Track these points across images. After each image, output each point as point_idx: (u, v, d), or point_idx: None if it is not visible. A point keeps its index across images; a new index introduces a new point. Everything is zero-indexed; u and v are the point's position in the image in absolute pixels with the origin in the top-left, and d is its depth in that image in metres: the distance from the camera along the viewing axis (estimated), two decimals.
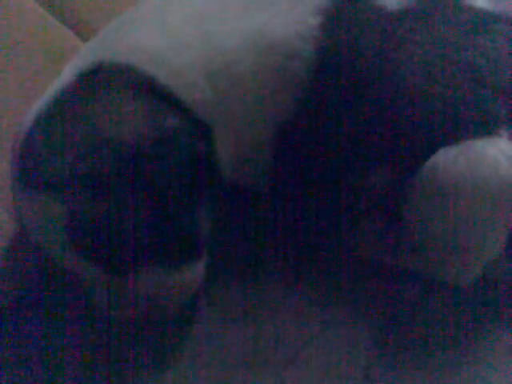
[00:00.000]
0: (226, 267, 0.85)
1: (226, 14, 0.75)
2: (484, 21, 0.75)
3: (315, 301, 0.84)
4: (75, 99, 0.70)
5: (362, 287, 0.84)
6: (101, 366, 0.79)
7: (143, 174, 0.67)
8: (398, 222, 0.80)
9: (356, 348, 0.81)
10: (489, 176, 0.70)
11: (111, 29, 0.78)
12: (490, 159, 0.70)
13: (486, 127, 0.72)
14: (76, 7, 0.99)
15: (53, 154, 0.67)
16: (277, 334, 0.81)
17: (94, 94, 0.70)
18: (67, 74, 0.73)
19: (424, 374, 0.78)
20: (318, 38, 0.73)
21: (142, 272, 0.70)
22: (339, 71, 0.74)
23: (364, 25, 0.74)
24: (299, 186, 0.83)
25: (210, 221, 0.74)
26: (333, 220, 0.88)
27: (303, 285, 0.85)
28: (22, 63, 0.90)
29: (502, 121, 0.72)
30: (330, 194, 0.82)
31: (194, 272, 0.73)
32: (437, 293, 0.83)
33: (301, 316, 0.83)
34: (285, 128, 0.76)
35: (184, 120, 0.72)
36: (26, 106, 0.74)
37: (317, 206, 0.87)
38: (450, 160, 0.71)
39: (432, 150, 0.73)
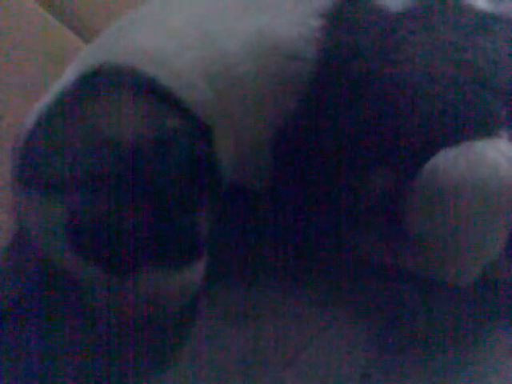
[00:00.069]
0: (226, 268, 0.85)
1: (226, 15, 0.75)
2: (484, 22, 0.75)
3: (315, 301, 0.84)
4: (76, 100, 0.70)
5: (361, 288, 0.84)
6: (101, 366, 0.79)
7: (143, 174, 0.67)
8: (398, 223, 0.80)
9: (356, 349, 0.81)
10: (489, 177, 0.70)
11: (112, 31, 0.78)
12: (490, 160, 0.70)
13: (486, 128, 0.72)
14: (77, 8, 0.99)
15: (53, 155, 0.67)
16: (277, 335, 0.81)
17: (94, 95, 0.70)
18: (68, 75, 0.73)
19: (424, 375, 0.78)
20: (320, 40, 0.73)
21: (142, 272, 0.70)
22: (340, 72, 0.74)
23: (365, 26, 0.73)
24: (299, 187, 0.83)
25: (210, 221, 0.74)
26: (333, 221, 0.88)
27: (303, 285, 0.85)
28: (22, 64, 0.90)
29: (503, 122, 0.72)
30: (330, 194, 0.82)
31: (194, 273, 0.73)
32: (437, 293, 0.83)
33: (301, 317, 0.83)
34: (285, 129, 0.76)
35: (184, 121, 0.72)
36: (26, 107, 0.74)
37: (317, 207, 0.87)
38: (449, 161, 0.71)
39: (432, 151, 0.73)
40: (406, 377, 0.79)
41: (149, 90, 0.71)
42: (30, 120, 0.71)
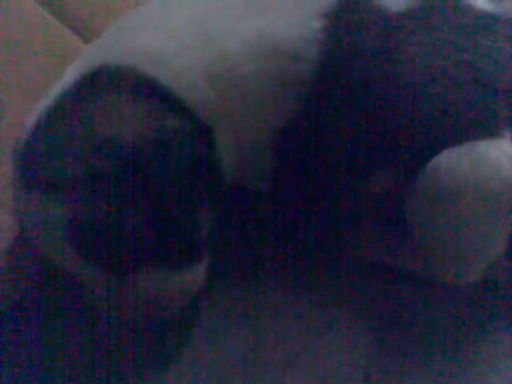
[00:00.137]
0: (227, 269, 0.85)
1: (226, 15, 0.75)
2: (485, 21, 0.75)
3: (315, 302, 0.84)
4: (76, 101, 0.70)
5: (362, 289, 0.84)
6: (101, 367, 0.79)
7: (143, 174, 0.67)
8: (399, 223, 0.80)
9: (356, 349, 0.81)
10: (491, 177, 0.70)
11: (112, 31, 0.78)
12: (492, 161, 0.70)
13: (488, 128, 0.72)
14: (77, 8, 0.99)
15: (53, 155, 0.67)
16: (277, 335, 0.81)
17: (95, 95, 0.70)
18: (68, 75, 0.73)
19: (424, 376, 0.78)
20: (320, 40, 0.73)
21: (142, 273, 0.70)
22: (341, 73, 0.73)
23: (365, 26, 0.73)
24: (300, 187, 0.83)
25: (210, 222, 0.74)
26: (333, 221, 0.88)
27: (304, 286, 0.85)
28: (22, 64, 0.90)
29: (505, 122, 0.72)
30: (330, 194, 0.82)
31: (195, 274, 0.73)
32: (437, 294, 0.83)
33: (301, 317, 0.83)
34: (286, 129, 0.76)
35: (185, 121, 0.72)
36: (26, 107, 0.74)
37: (317, 207, 0.87)
38: (452, 161, 0.71)
39: (434, 151, 0.72)
40: (406, 377, 0.79)
41: (149, 91, 0.71)
42: (31, 120, 0.71)
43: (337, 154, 0.77)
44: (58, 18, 0.97)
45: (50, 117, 0.70)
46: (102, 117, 0.68)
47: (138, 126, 0.68)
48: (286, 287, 0.85)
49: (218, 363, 0.79)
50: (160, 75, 0.72)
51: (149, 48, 0.73)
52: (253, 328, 0.82)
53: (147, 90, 0.71)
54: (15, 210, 0.72)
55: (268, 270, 0.86)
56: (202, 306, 0.83)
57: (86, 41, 0.95)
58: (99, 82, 0.71)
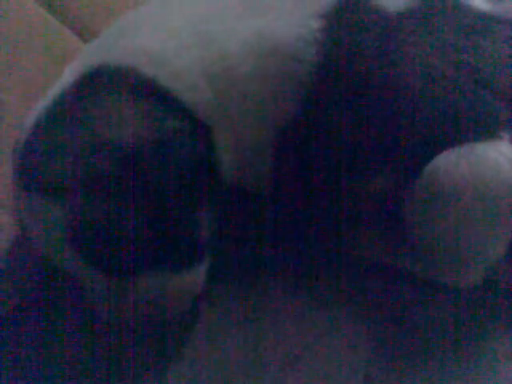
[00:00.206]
0: (227, 270, 0.85)
1: (226, 16, 0.75)
2: (484, 22, 0.75)
3: (316, 303, 0.84)
4: (75, 101, 0.70)
5: (362, 290, 0.84)
6: (101, 367, 0.79)
7: (143, 176, 0.67)
8: (398, 224, 0.80)
9: (356, 350, 0.80)
10: (490, 179, 0.70)
11: (112, 31, 0.77)
12: (491, 162, 0.70)
13: (487, 130, 0.72)
14: (77, 8, 0.99)
15: (53, 157, 0.67)
16: (277, 337, 0.81)
17: (94, 95, 0.70)
18: (67, 75, 0.73)
19: (424, 377, 0.78)
20: (320, 41, 0.73)
21: (143, 275, 0.70)
22: (340, 74, 0.73)
23: (365, 27, 0.73)
24: (300, 188, 0.83)
25: (210, 223, 0.74)
26: (333, 221, 0.88)
27: (304, 287, 0.85)
28: (22, 64, 0.90)
29: (504, 123, 0.72)
30: (330, 195, 0.82)
31: (195, 276, 0.73)
32: (437, 295, 0.83)
33: (301, 319, 0.82)
34: (285, 130, 0.76)
35: (184, 121, 0.72)
36: (26, 108, 0.74)
37: (317, 208, 0.87)
38: (451, 163, 0.71)
39: (433, 152, 0.73)
40: (406, 377, 0.79)
41: (148, 91, 0.71)
42: (30, 121, 0.71)
43: (336, 154, 0.77)
44: (58, 18, 0.97)
45: (49, 117, 0.70)
46: (101, 117, 0.68)
47: (138, 127, 0.68)
48: (286, 289, 0.85)
49: (219, 364, 0.79)
50: (159, 75, 0.72)
51: (148, 48, 0.73)
52: (253, 328, 0.82)
53: (147, 91, 0.71)
54: (15, 211, 0.72)
55: (268, 271, 0.86)
56: (202, 306, 0.83)
57: (86, 41, 0.95)
58: (99, 82, 0.71)
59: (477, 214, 0.72)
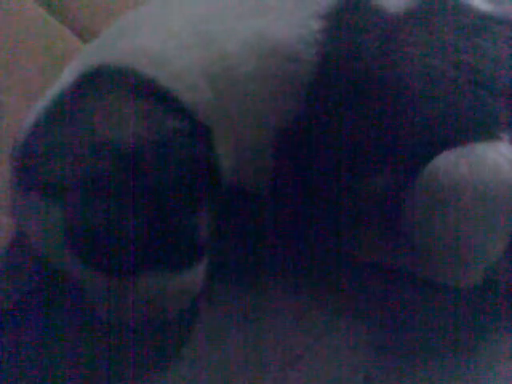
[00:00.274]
0: (227, 270, 0.85)
1: (226, 16, 0.75)
2: (484, 23, 0.75)
3: (315, 304, 0.84)
4: (75, 101, 0.70)
5: (362, 290, 0.84)
6: (101, 367, 0.79)
7: (143, 176, 0.67)
8: (398, 224, 0.80)
9: (356, 351, 0.80)
10: (490, 179, 0.70)
11: (111, 31, 0.77)
12: (490, 163, 0.70)
13: (487, 130, 0.72)
14: (77, 9, 0.99)
15: (52, 157, 0.67)
16: (277, 337, 0.81)
17: (93, 96, 0.70)
18: (67, 76, 0.73)
19: (424, 377, 0.78)
20: (320, 42, 0.73)
21: (142, 275, 0.70)
22: (340, 74, 0.73)
23: (365, 27, 0.73)
24: (299, 188, 0.83)
25: (210, 223, 0.74)
26: (333, 221, 0.88)
27: (303, 288, 0.85)
28: (22, 64, 0.90)
29: (503, 124, 0.72)
30: (330, 195, 0.82)
31: (195, 275, 0.73)
32: (437, 295, 0.83)
33: (301, 319, 0.82)
34: (285, 130, 0.76)
35: (184, 122, 0.72)
36: (26, 108, 0.74)
37: (317, 208, 0.87)
38: (450, 163, 0.71)
39: (433, 152, 0.72)
40: (406, 378, 0.79)
41: (148, 91, 0.71)
42: (29, 121, 0.71)
43: (336, 154, 0.77)
44: (58, 18, 0.97)
45: (48, 117, 0.70)
46: (101, 117, 0.68)
47: (138, 127, 0.68)
48: (285, 289, 0.85)
49: (219, 364, 0.79)
50: (159, 76, 0.72)
51: (148, 48, 0.73)
52: (253, 328, 0.82)
53: (146, 91, 0.71)
54: (14, 211, 0.72)
55: (268, 272, 0.85)
56: (201, 306, 0.83)
57: (86, 41, 0.95)
58: (98, 82, 0.71)
59: (476, 214, 0.72)
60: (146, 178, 0.67)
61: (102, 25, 0.82)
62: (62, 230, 0.66)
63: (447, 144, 0.72)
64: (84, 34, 0.97)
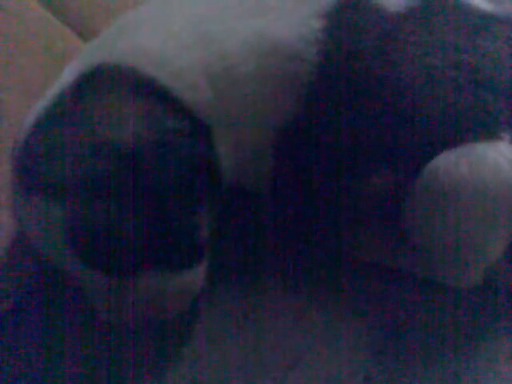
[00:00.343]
0: (226, 270, 0.85)
1: (226, 15, 0.75)
2: (485, 22, 0.75)
3: (315, 304, 0.83)
4: (75, 101, 0.69)
5: (362, 290, 0.84)
6: (101, 368, 0.79)
7: (143, 175, 0.67)
8: (398, 224, 0.80)
9: (356, 351, 0.80)
10: (490, 179, 0.70)
11: (111, 31, 0.77)
12: (491, 162, 0.70)
13: (487, 130, 0.71)
14: (77, 8, 0.99)
15: (52, 157, 0.67)
16: (277, 337, 0.81)
17: (93, 95, 0.69)
18: (67, 75, 0.73)
19: (424, 377, 0.78)
20: (320, 41, 0.73)
21: (142, 275, 0.70)
22: (340, 74, 0.73)
23: (365, 27, 0.73)
24: (299, 188, 0.83)
25: (210, 223, 0.74)
26: (333, 221, 0.88)
27: (303, 288, 0.85)
28: (22, 64, 0.90)
29: (504, 123, 0.71)
30: (330, 195, 0.82)
31: (195, 276, 0.73)
32: (437, 295, 0.83)
33: (301, 320, 0.82)
34: (286, 130, 0.76)
35: (184, 121, 0.71)
36: (27, 107, 0.74)
37: (317, 208, 0.87)
38: (451, 163, 0.71)
39: (433, 152, 0.72)
40: (406, 378, 0.79)
41: (148, 91, 0.71)
42: (29, 121, 0.71)
43: (336, 154, 0.77)
44: (58, 17, 0.97)
45: (48, 117, 0.69)
46: (101, 117, 0.68)
47: (138, 127, 0.68)
48: (285, 289, 0.85)
49: (219, 364, 0.79)
50: (159, 75, 0.71)
51: (148, 48, 0.73)
52: (253, 329, 0.82)
53: (147, 90, 0.71)
54: (14, 211, 0.72)
55: (268, 272, 0.85)
56: (202, 306, 0.83)
57: (86, 40, 0.95)
58: (98, 82, 0.71)
59: (476, 214, 0.72)
60: (146, 178, 0.67)
61: (102, 24, 0.82)
62: (63, 229, 0.66)
63: (447, 144, 0.72)
64: (84, 34, 0.97)
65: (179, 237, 0.70)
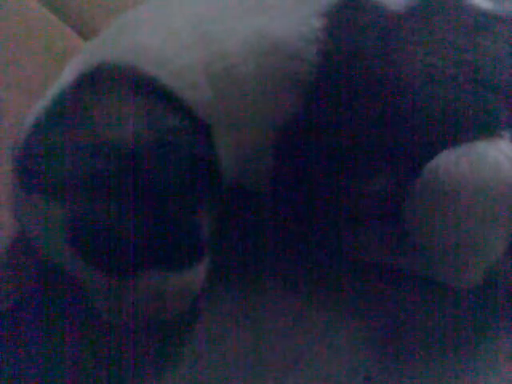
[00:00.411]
0: (227, 269, 0.85)
1: (226, 14, 0.75)
2: (485, 21, 0.75)
3: (316, 304, 0.83)
4: (75, 100, 0.69)
5: (362, 289, 0.84)
6: (101, 368, 0.79)
7: (143, 174, 0.67)
8: (398, 223, 0.80)
9: (356, 351, 0.80)
10: (490, 178, 0.70)
11: (112, 29, 0.77)
12: (491, 161, 0.70)
13: (487, 129, 0.71)
14: (77, 7, 0.99)
15: (52, 156, 0.66)
16: (278, 337, 0.81)
17: (94, 94, 0.69)
18: (67, 74, 0.73)
19: (424, 376, 0.78)
20: (321, 40, 0.73)
21: (143, 274, 0.70)
22: (341, 73, 0.73)
23: (365, 26, 0.73)
24: (300, 187, 0.83)
25: (210, 222, 0.74)
26: (333, 221, 0.88)
27: (304, 287, 0.85)
28: (23, 63, 0.90)
29: (504, 122, 0.72)
30: (330, 194, 0.82)
31: (195, 275, 0.73)
32: (437, 295, 0.83)
33: (301, 319, 0.82)
34: (286, 129, 0.76)
35: (185, 120, 0.71)
36: (27, 107, 0.74)
37: (317, 207, 0.87)
38: (451, 162, 0.71)
39: (433, 151, 0.72)
40: (406, 378, 0.79)
41: (149, 90, 0.71)
42: (29, 121, 0.71)
43: (336, 154, 0.77)
44: (59, 16, 0.97)
45: (48, 116, 0.69)
46: (101, 116, 0.68)
47: (138, 126, 0.68)
48: (286, 289, 0.85)
49: (219, 364, 0.79)
50: (160, 74, 0.71)
51: (149, 47, 0.73)
52: (253, 329, 0.82)
53: (147, 89, 0.71)
54: (15, 211, 0.72)
55: (268, 271, 0.85)
56: (202, 306, 0.83)
57: (87, 39, 0.95)
58: (98, 81, 0.71)
59: (477, 212, 0.72)
60: (146, 177, 0.67)
61: (102, 23, 0.82)
62: (63, 229, 0.66)
63: (448, 142, 0.72)
64: (85, 33, 0.97)
65: (179, 236, 0.70)
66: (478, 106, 0.72)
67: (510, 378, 0.78)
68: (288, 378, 0.78)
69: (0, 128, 0.85)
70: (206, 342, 0.81)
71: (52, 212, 0.66)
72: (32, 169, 0.67)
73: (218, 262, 0.77)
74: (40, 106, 0.71)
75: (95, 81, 0.71)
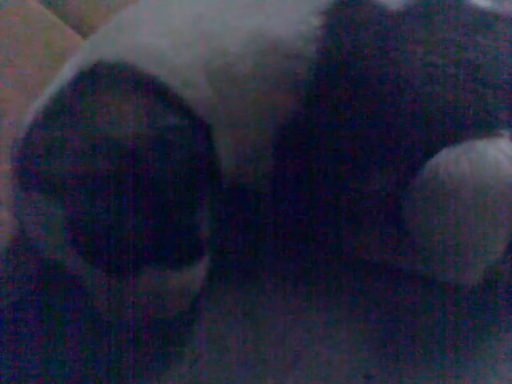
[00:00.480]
0: (227, 269, 0.85)
1: (226, 13, 0.75)
2: (485, 20, 0.75)
3: (316, 303, 0.83)
4: (74, 98, 0.69)
5: (362, 289, 0.84)
6: (101, 367, 0.79)
7: (143, 173, 0.67)
8: (398, 223, 0.80)
9: (356, 350, 0.80)
10: (490, 176, 0.70)
11: (111, 27, 0.77)
12: (491, 160, 0.70)
13: (487, 127, 0.71)
14: (77, 5, 0.99)
15: (51, 155, 0.66)
16: (278, 337, 0.81)
17: (93, 92, 0.69)
18: (66, 72, 0.73)
19: (424, 377, 0.78)
20: (320, 39, 0.73)
21: (143, 273, 0.69)
22: (340, 71, 0.73)
23: (365, 24, 0.73)
24: (300, 187, 0.82)
25: (210, 221, 0.74)
26: (333, 220, 0.88)
27: (304, 287, 0.85)
28: (23, 62, 0.90)
29: (504, 121, 0.71)
30: (330, 194, 0.82)
31: (195, 273, 0.73)
32: (437, 294, 0.83)
33: (301, 318, 0.82)
34: (286, 128, 0.76)
35: (184, 119, 0.71)
36: (27, 106, 0.74)
37: (317, 207, 0.86)
38: (451, 161, 0.71)
39: (433, 150, 0.72)
40: (406, 378, 0.78)
41: (148, 88, 0.71)
42: (28, 119, 0.71)
43: (336, 153, 0.77)
44: (58, 14, 0.97)
45: (47, 115, 0.69)
46: (100, 115, 0.68)
47: (137, 124, 0.68)
48: (286, 288, 0.84)
49: (219, 364, 0.79)
50: (159, 73, 0.71)
51: (148, 45, 0.73)
52: (253, 329, 0.81)
53: (146, 87, 0.71)
54: (14, 210, 0.72)
55: (268, 271, 0.85)
56: (202, 305, 0.82)
57: (86, 37, 0.94)
58: (97, 79, 0.71)
59: (477, 211, 0.72)
60: (145, 175, 0.67)
61: (102, 21, 0.82)
62: (63, 228, 0.66)
63: (447, 141, 0.72)
64: (84, 32, 0.97)
65: (179, 235, 0.70)
66: (478, 105, 0.72)
67: (510, 377, 0.78)
68: (288, 378, 0.78)
69: None
70: (206, 342, 0.81)
71: (51, 211, 0.66)
72: (31, 167, 0.67)
73: (218, 262, 0.77)
74: (39, 104, 0.71)
75: (94, 79, 0.71)
